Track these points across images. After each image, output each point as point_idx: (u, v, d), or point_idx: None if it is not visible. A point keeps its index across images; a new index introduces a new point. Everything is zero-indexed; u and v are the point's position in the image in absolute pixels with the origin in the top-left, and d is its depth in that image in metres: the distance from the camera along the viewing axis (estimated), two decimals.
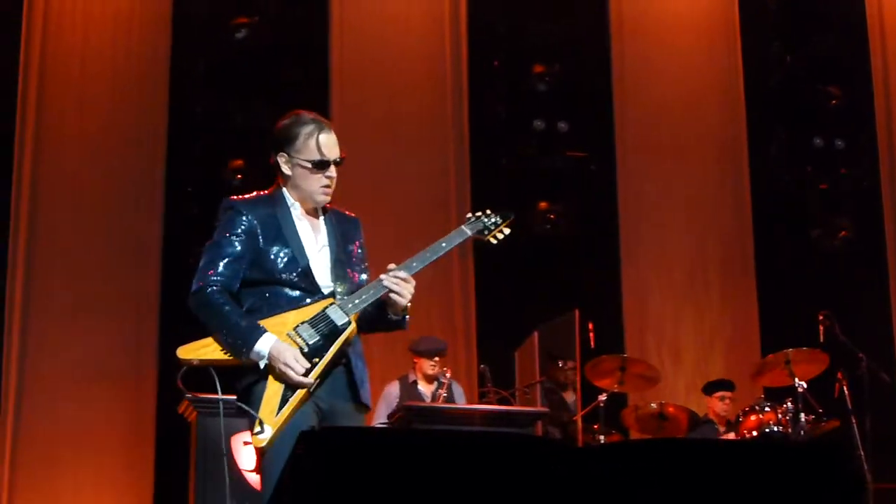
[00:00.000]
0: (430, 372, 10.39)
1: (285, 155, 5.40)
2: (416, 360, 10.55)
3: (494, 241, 5.72)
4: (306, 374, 5.10)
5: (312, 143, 5.37)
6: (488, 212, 5.75)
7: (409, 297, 5.33)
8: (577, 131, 13.81)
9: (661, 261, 13.18)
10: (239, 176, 12.37)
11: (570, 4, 13.73)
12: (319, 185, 5.41)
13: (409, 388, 10.43)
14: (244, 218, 5.34)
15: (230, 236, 5.32)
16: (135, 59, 12.22)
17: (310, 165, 5.37)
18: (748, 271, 13.26)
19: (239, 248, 5.30)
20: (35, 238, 11.61)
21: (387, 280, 5.30)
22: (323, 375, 5.18)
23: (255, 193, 5.53)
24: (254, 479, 7.90)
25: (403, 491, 3.61)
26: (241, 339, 5.14)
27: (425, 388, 10.39)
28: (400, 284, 5.29)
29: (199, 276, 5.31)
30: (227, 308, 5.21)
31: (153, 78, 12.24)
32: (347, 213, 5.68)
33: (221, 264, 5.28)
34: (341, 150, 5.47)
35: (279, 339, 5.15)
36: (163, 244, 11.86)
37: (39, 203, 11.69)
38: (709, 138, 13.51)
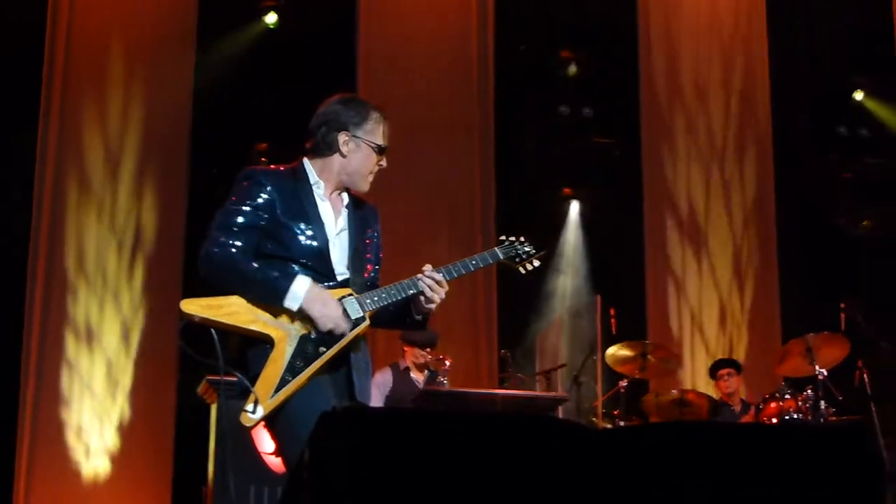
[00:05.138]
0: (420, 361, 10.22)
1: (347, 133, 5.24)
2: (406, 349, 10.37)
3: (523, 272, 5.57)
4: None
5: (381, 128, 5.30)
6: (521, 239, 5.61)
7: (439, 301, 5.19)
8: (603, 117, 13.81)
9: (684, 248, 13.16)
10: (263, 159, 12.45)
11: None
12: (370, 171, 5.30)
13: (401, 375, 10.29)
14: (265, 189, 5.13)
15: (247, 205, 5.10)
16: (160, 40, 12.23)
17: (374, 148, 5.27)
18: (771, 260, 13.23)
19: (255, 219, 5.07)
20: (56, 226, 11.65)
21: (423, 281, 5.16)
22: (326, 368, 4.98)
23: (275, 166, 5.32)
24: (273, 461, 7.91)
25: (425, 472, 3.61)
26: (274, 283, 4.93)
27: (417, 376, 10.26)
28: (434, 287, 5.16)
29: (212, 240, 5.05)
30: (253, 264, 4.99)
31: (179, 59, 12.26)
32: (365, 202, 5.45)
33: (237, 231, 5.05)
34: None
35: (315, 283, 4.99)
36: (186, 228, 11.86)
37: (62, 193, 11.71)
38: (734, 125, 13.47)
